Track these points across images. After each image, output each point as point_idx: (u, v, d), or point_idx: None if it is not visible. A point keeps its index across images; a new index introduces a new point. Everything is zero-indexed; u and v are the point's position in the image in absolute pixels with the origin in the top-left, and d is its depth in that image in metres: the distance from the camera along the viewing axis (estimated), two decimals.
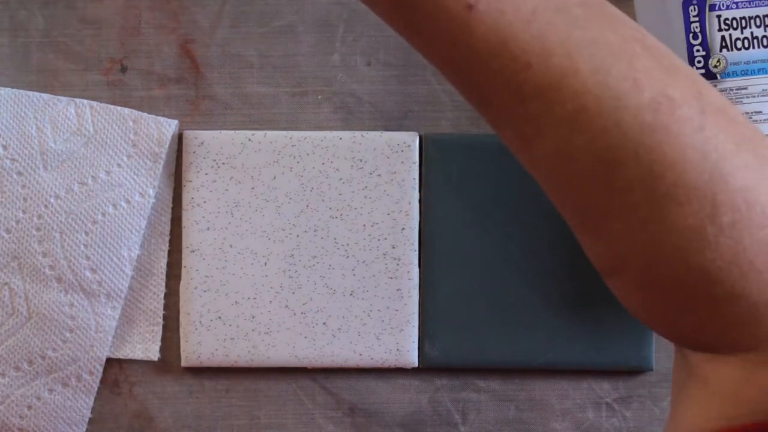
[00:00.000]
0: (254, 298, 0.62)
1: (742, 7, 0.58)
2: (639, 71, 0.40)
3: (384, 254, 0.62)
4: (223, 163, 0.62)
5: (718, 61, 0.58)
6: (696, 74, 0.43)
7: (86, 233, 0.61)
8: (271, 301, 0.62)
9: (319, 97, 0.63)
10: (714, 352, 0.43)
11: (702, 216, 0.40)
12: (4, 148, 0.61)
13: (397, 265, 0.62)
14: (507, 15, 0.40)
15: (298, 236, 0.62)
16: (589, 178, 0.41)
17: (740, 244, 0.40)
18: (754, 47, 0.58)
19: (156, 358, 0.62)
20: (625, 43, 0.41)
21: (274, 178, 0.62)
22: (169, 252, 0.62)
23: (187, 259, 0.62)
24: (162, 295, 0.62)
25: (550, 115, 0.41)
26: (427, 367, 0.62)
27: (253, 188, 0.62)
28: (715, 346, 0.43)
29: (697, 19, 0.58)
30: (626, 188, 0.41)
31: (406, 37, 0.43)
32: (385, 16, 0.43)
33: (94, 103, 0.61)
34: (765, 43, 0.58)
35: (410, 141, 0.62)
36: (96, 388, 0.62)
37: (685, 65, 0.43)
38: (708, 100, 0.41)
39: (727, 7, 0.58)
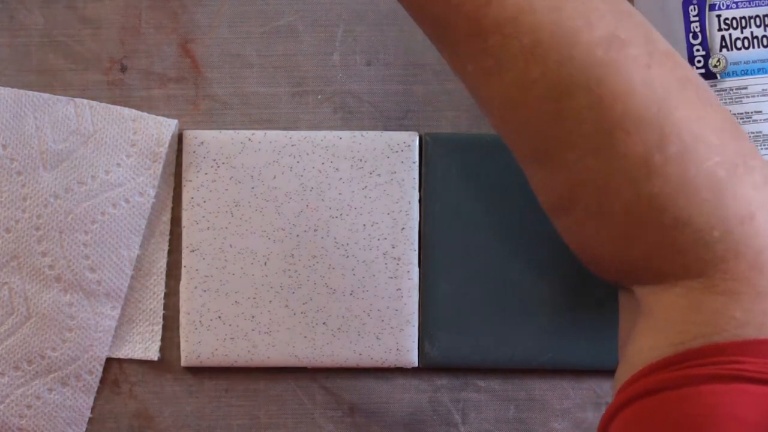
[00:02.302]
0: (254, 298, 0.62)
1: (742, 7, 0.58)
2: (592, 11, 0.43)
3: (384, 254, 0.62)
4: (223, 163, 0.62)
5: (718, 60, 0.58)
6: (647, 23, 0.45)
7: (86, 233, 0.61)
8: (271, 301, 0.62)
9: (319, 96, 0.63)
10: (659, 282, 0.45)
11: (650, 145, 0.42)
12: (4, 147, 0.61)
13: (397, 265, 0.62)
14: None
15: (298, 236, 0.62)
16: (544, 109, 0.44)
17: (687, 173, 0.42)
18: (754, 47, 0.58)
19: (156, 358, 0.62)
20: None
21: (274, 177, 0.62)
22: (169, 252, 0.62)
23: (187, 259, 0.62)
24: (162, 295, 0.62)
25: (508, 48, 0.44)
26: (427, 367, 0.62)
27: (253, 188, 0.62)
28: (662, 275, 0.45)
29: (697, 18, 0.58)
30: (578, 118, 0.43)
31: None
32: None
33: (94, 103, 0.61)
34: (765, 43, 0.58)
35: (410, 141, 0.62)
36: (96, 388, 0.62)
37: (638, 14, 0.46)
38: (656, 45, 0.44)
39: (727, 7, 0.58)
